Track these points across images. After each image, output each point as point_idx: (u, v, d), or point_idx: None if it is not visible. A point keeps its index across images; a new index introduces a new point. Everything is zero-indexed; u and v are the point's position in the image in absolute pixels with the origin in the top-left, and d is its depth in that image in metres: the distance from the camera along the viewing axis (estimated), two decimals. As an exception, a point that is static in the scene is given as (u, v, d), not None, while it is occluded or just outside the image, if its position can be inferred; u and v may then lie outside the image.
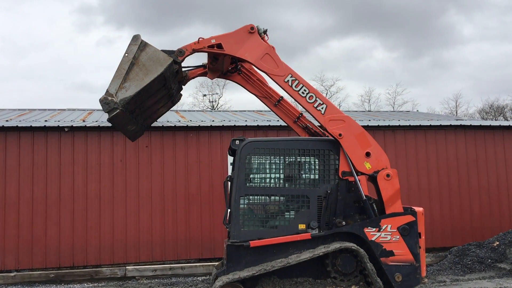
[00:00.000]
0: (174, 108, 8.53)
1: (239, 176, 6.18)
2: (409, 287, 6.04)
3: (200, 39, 6.32)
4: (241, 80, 7.18)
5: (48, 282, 9.37)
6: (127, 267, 9.80)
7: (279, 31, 57.10)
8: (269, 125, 10.90)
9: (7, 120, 10.89)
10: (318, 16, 64.10)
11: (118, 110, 5.69)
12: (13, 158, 9.78)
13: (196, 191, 10.44)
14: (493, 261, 9.50)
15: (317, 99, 6.39)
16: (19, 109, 15.13)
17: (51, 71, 61.35)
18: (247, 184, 6.25)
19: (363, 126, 6.84)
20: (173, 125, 10.58)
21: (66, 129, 10.00)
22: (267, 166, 6.38)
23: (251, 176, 6.34)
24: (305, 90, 6.39)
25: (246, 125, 10.93)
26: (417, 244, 6.08)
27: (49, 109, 15.41)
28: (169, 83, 6.35)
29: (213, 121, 11.74)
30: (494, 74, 56.66)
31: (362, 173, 6.27)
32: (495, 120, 36.74)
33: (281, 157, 6.38)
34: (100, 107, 5.78)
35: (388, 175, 6.19)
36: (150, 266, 9.92)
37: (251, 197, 6.33)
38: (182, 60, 6.33)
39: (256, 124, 10.97)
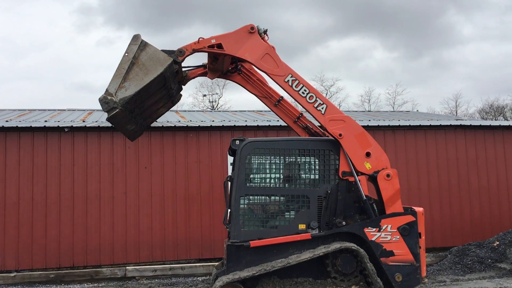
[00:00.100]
0: (174, 108, 8.53)
1: (239, 176, 6.18)
2: (409, 287, 6.04)
3: (200, 39, 6.32)
4: (241, 80, 7.18)
5: (48, 283, 9.37)
6: (127, 268, 9.80)
7: (279, 31, 57.14)
8: (269, 125, 10.90)
9: (7, 121, 10.89)
10: (318, 16, 64.18)
11: (117, 110, 5.69)
12: (13, 159, 9.78)
13: (196, 191, 10.43)
14: (493, 261, 9.49)
15: (317, 99, 6.39)
16: (19, 110, 15.12)
17: (51, 71, 61.49)
18: (247, 184, 6.25)
19: (363, 126, 6.85)
20: (173, 125, 10.58)
21: (66, 130, 10.00)
22: (267, 166, 6.38)
23: (251, 176, 6.34)
24: (305, 90, 6.39)
25: (246, 125, 10.93)
26: (417, 244, 6.09)
27: (49, 110, 15.42)
28: (169, 83, 6.34)
29: (213, 121, 11.74)
30: (494, 74, 56.81)
31: (362, 173, 6.27)
32: (495, 120, 36.72)
33: (281, 157, 6.38)
34: (100, 108, 5.79)
35: (388, 175, 6.19)
36: (150, 266, 9.91)
37: (251, 197, 6.33)
38: (182, 60, 6.33)
39: (256, 124, 10.96)
